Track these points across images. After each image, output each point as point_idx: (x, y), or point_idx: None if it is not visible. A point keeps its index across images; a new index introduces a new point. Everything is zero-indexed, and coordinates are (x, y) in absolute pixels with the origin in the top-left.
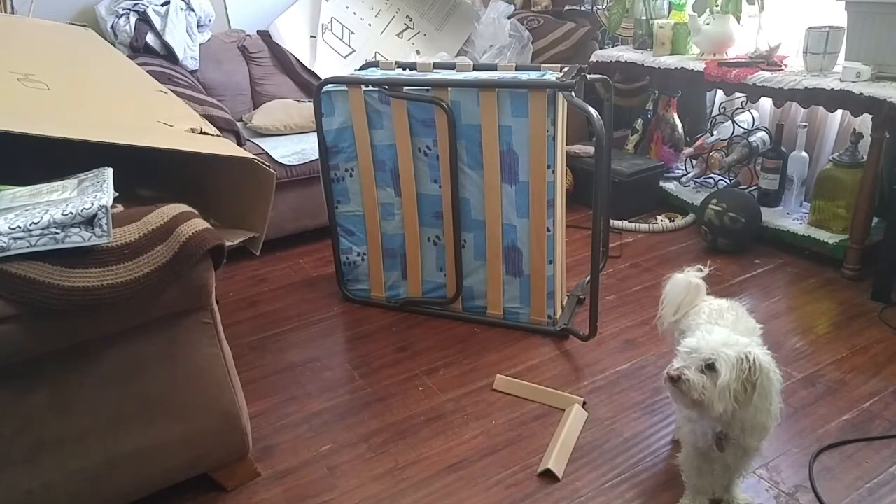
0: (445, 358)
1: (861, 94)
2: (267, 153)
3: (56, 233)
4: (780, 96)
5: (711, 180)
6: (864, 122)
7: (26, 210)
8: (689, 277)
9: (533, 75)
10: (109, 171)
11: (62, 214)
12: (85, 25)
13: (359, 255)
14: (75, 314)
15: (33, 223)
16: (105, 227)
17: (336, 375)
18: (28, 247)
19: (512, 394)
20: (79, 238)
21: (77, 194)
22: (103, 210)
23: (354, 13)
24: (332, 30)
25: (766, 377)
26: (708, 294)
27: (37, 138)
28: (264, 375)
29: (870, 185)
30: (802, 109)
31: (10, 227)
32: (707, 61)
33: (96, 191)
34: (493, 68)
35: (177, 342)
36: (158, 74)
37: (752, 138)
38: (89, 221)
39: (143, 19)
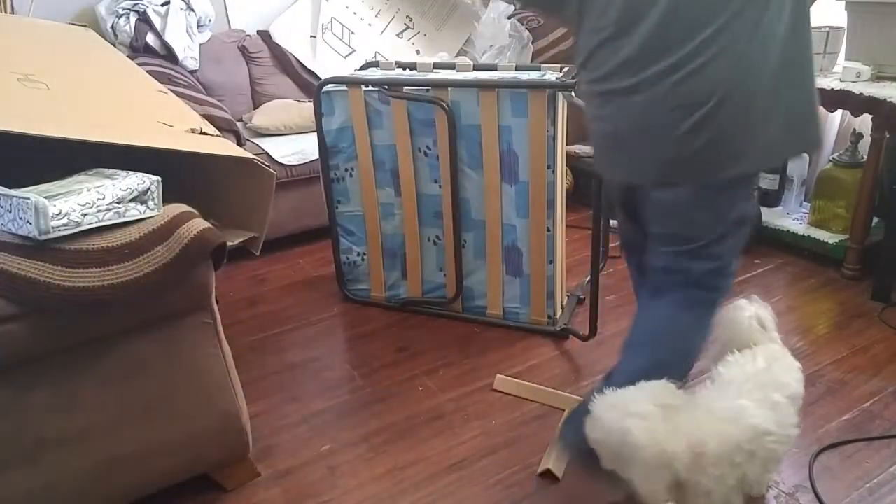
0: (445, 358)
1: (861, 94)
2: (267, 153)
3: (118, 207)
4: None
5: None
6: (864, 122)
7: (79, 193)
8: (752, 314)
9: (533, 75)
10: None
11: (121, 190)
12: (85, 25)
13: (359, 255)
14: (76, 314)
15: (100, 199)
16: (156, 201)
17: (336, 375)
18: (97, 221)
19: (512, 394)
20: (136, 212)
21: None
22: (155, 184)
23: (354, 13)
24: (332, 30)
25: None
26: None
27: (35, 139)
28: (264, 375)
29: (870, 185)
30: None
31: (79, 204)
32: None
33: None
34: (493, 68)
35: (177, 342)
36: (158, 74)
37: None
38: (140, 197)
39: (143, 19)
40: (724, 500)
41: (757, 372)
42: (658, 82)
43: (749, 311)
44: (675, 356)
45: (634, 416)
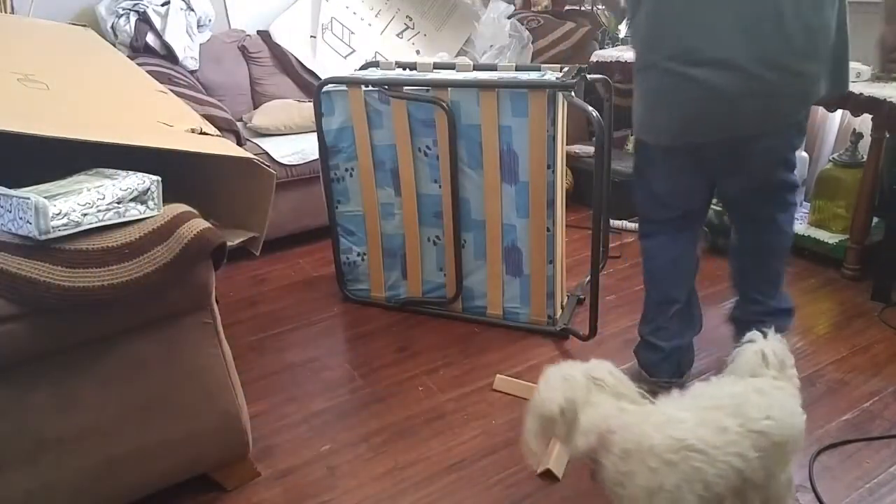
0: (445, 358)
1: (861, 94)
2: (267, 153)
3: (118, 207)
4: None
5: None
6: (864, 122)
7: (79, 193)
8: (757, 349)
9: (533, 75)
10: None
11: (121, 190)
12: (85, 25)
13: (359, 254)
14: (76, 314)
15: (100, 199)
16: (156, 201)
17: (336, 375)
18: (97, 221)
19: (512, 394)
20: (136, 212)
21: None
22: (155, 185)
23: (354, 13)
24: (332, 30)
25: None
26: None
27: (35, 139)
28: (264, 375)
29: (870, 185)
30: None
31: (79, 204)
32: None
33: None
34: (493, 68)
35: (177, 342)
36: (158, 74)
37: None
38: (140, 197)
39: (143, 19)
40: (634, 498)
41: (728, 395)
42: (768, 41)
43: (755, 347)
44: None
45: (560, 374)
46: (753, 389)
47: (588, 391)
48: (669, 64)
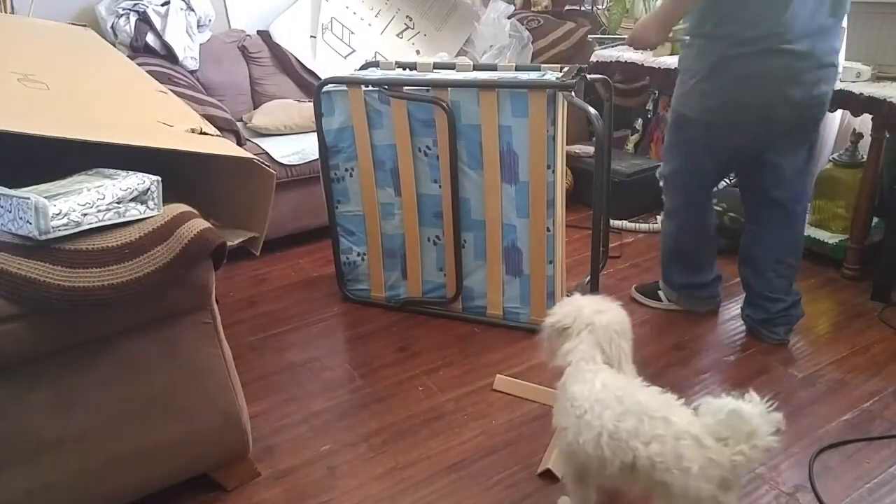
0: (445, 358)
1: (861, 94)
2: (267, 153)
3: (118, 207)
4: None
5: None
6: (864, 122)
7: (79, 193)
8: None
9: (533, 75)
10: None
11: (121, 190)
12: (85, 25)
13: (359, 254)
14: (76, 314)
15: (100, 199)
16: (156, 201)
17: (336, 375)
18: (97, 221)
19: (512, 394)
20: (136, 212)
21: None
22: (155, 185)
23: (354, 13)
24: (332, 30)
25: None
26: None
27: (35, 139)
28: (264, 375)
29: (870, 185)
30: None
31: (79, 204)
32: None
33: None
34: (493, 68)
35: (177, 342)
36: (158, 74)
37: None
38: (140, 197)
39: (143, 19)
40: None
41: (640, 403)
42: (829, 31)
43: (731, 403)
44: None
45: (575, 303)
46: (666, 418)
47: (584, 327)
48: (772, 43)
